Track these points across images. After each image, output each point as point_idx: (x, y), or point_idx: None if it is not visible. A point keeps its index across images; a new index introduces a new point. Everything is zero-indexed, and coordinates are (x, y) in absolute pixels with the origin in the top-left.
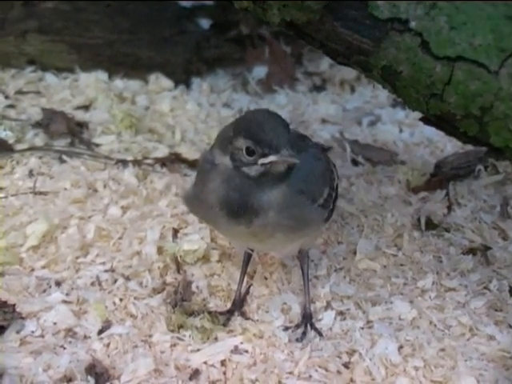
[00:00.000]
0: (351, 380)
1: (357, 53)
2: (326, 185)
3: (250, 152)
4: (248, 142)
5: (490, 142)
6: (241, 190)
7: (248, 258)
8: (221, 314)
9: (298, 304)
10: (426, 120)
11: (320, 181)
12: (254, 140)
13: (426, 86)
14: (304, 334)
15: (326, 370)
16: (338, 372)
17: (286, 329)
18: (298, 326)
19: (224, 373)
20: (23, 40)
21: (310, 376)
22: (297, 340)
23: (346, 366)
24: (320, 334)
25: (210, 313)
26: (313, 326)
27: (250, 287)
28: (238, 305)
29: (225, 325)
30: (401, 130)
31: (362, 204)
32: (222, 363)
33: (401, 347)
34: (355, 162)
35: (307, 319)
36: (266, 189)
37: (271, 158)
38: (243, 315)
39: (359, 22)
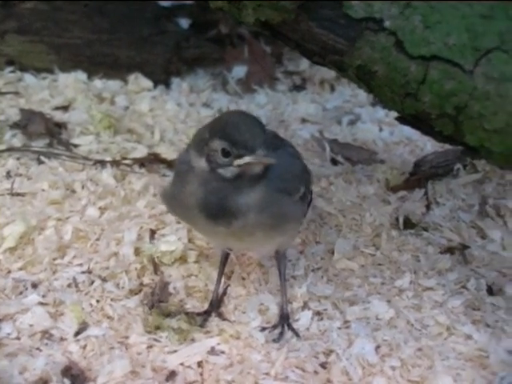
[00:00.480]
0: (328, 380)
1: (332, 52)
2: (302, 183)
3: (225, 153)
4: (224, 143)
5: (465, 141)
6: (218, 192)
7: (225, 258)
8: (198, 314)
9: (275, 304)
10: (402, 119)
11: (297, 177)
12: (229, 141)
13: (401, 86)
14: (281, 334)
15: (303, 370)
16: (315, 372)
17: (263, 329)
18: (274, 327)
19: (201, 374)
20: (2, 41)
21: (287, 377)
22: (274, 341)
23: (323, 366)
24: (297, 334)
25: (186, 314)
26: (290, 327)
27: (227, 288)
28: (215, 306)
29: (202, 326)
30: (380, 129)
31: (341, 203)
32: (199, 364)
33: (378, 347)
34: (334, 162)
35: (284, 320)
36: (244, 190)
37: (246, 159)
38: (220, 316)
39: (334, 21)
